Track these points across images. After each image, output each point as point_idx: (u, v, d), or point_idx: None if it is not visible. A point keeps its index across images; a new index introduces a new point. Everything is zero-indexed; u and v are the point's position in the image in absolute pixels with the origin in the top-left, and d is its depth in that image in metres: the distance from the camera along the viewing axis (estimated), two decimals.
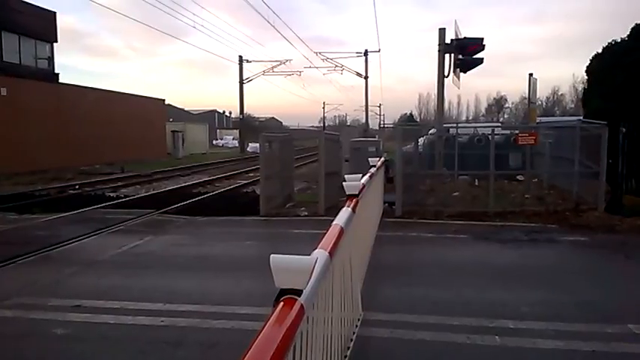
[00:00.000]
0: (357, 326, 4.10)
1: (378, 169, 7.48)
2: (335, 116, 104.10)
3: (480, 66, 11.36)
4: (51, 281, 5.84)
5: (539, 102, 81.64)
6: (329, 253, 2.42)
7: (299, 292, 1.66)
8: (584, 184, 10.51)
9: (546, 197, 11.22)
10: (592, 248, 7.58)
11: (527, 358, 3.83)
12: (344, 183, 4.33)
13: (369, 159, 7.37)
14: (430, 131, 14.90)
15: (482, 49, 11.00)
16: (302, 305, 1.64)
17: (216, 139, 73.00)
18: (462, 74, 11.77)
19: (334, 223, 3.14)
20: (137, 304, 4.93)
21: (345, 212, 3.59)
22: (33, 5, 26.66)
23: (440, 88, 11.35)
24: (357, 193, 4.24)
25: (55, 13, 28.26)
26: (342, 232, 3.03)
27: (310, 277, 1.70)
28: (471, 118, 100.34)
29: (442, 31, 10.93)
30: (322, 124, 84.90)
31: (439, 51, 11.03)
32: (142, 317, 4.61)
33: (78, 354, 3.97)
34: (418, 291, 5.40)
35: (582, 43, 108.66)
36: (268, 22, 27.14)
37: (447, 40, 11.01)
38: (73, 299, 5.06)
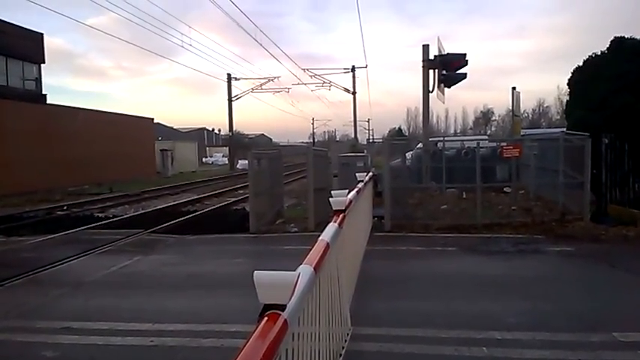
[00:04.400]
0: (346, 341, 4.12)
1: (365, 183, 7.55)
2: (324, 132, 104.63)
3: (466, 80, 11.56)
4: (39, 303, 5.81)
5: (525, 114, 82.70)
6: (314, 268, 2.47)
7: (282, 307, 1.71)
8: (570, 194, 10.66)
9: (533, 208, 11.34)
10: (578, 258, 7.68)
11: None
12: (330, 199, 4.38)
13: (357, 174, 7.45)
14: (418, 145, 15.04)
15: (466, 64, 11.20)
16: (285, 320, 1.68)
17: (206, 157, 72.94)
18: (446, 89, 11.97)
19: (320, 238, 3.19)
20: (126, 325, 4.92)
21: (331, 227, 3.64)
22: (20, 27, 26.70)
23: (425, 103, 11.51)
24: (343, 208, 4.30)
25: (42, 34, 28.35)
26: (327, 247, 3.07)
27: (293, 292, 1.75)
28: (458, 131, 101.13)
29: (426, 48, 11.13)
30: (312, 140, 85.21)
31: (423, 67, 11.22)
32: (130, 338, 4.60)
33: None
34: (407, 304, 5.44)
35: (567, 56, 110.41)
36: (255, 40, 27.30)
37: (431, 57, 11.22)
38: (62, 321, 5.04)
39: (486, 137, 32.19)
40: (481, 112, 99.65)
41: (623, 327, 4.55)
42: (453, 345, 4.25)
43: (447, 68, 11.26)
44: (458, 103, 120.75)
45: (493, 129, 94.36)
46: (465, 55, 11.17)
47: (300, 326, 2.43)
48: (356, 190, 6.07)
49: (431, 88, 11.51)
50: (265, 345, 1.50)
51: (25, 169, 22.89)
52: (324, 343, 3.27)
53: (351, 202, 5.15)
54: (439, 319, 4.90)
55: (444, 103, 12.32)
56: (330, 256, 3.45)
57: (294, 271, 2.36)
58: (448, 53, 11.38)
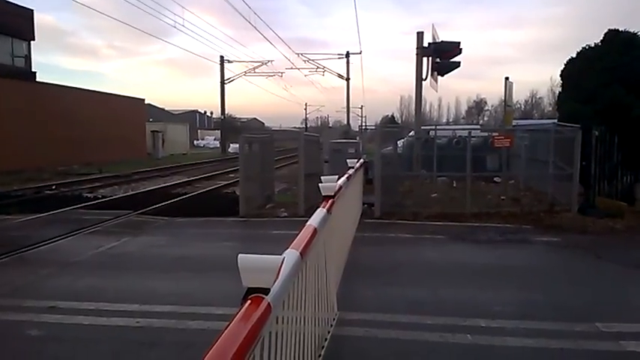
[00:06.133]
0: (332, 326, 4.15)
1: (356, 170, 7.55)
2: (317, 117, 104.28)
3: (459, 69, 11.53)
4: (26, 282, 5.78)
5: (518, 105, 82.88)
6: (300, 253, 2.46)
7: (266, 291, 1.70)
8: (559, 185, 10.74)
9: (522, 199, 11.42)
10: (564, 248, 7.75)
11: (497, 356, 3.92)
12: (320, 184, 4.37)
13: (347, 160, 7.44)
14: (410, 133, 15.04)
15: (459, 52, 11.16)
16: (269, 304, 1.68)
17: (198, 140, 72.52)
18: (440, 77, 11.94)
19: (308, 223, 3.19)
20: (112, 305, 4.91)
21: (319, 213, 3.63)
22: (9, 3, 26.23)
23: (418, 91, 11.48)
24: (332, 194, 4.29)
25: (32, 10, 27.89)
26: (315, 232, 3.07)
27: (277, 276, 1.74)
28: (451, 120, 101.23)
29: (420, 35, 11.07)
30: (304, 126, 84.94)
31: (417, 54, 11.16)
32: (116, 318, 4.60)
33: (51, 355, 3.95)
34: (394, 291, 5.47)
35: (560, 48, 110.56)
36: (249, 22, 26.98)
37: (425, 44, 11.16)
38: (49, 300, 5.02)
39: (478, 127, 32.26)
40: (474, 101, 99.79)
41: (606, 317, 4.61)
42: (438, 331, 4.29)
43: (441, 56, 11.22)
44: (451, 92, 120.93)
45: (486, 119, 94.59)
46: (459, 43, 11.13)
47: (285, 310, 2.44)
48: (346, 176, 6.07)
49: (424, 76, 11.48)
50: (247, 328, 1.49)
51: (13, 148, 22.66)
52: (310, 327, 3.28)
53: (340, 187, 5.14)
54: (425, 305, 4.94)
55: (437, 91, 12.31)
56: (318, 241, 3.45)
57: (281, 255, 2.38)
58: (442, 41, 11.32)
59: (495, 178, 13.46)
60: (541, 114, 78.36)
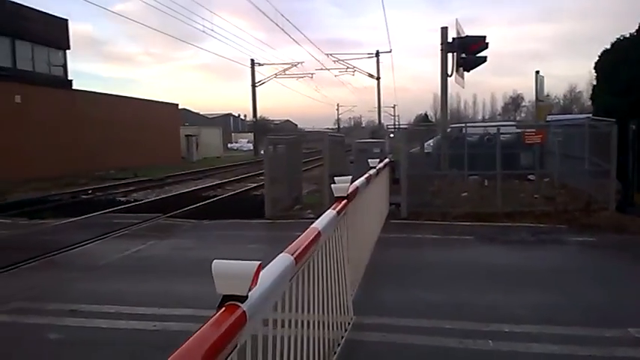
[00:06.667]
0: (346, 330, 4.04)
1: (379, 170, 7.41)
2: (350, 118, 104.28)
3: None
4: (51, 286, 5.89)
5: (557, 100, 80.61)
6: (295, 258, 2.38)
7: (242, 298, 1.63)
8: (596, 182, 10.30)
9: (557, 197, 11.01)
10: (600, 249, 7.41)
11: None
12: (332, 185, 4.28)
13: (369, 160, 7.30)
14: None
15: (486, 47, 10.84)
16: (244, 312, 1.60)
17: (231, 143, 73.44)
18: (468, 73, 11.65)
19: (313, 226, 3.10)
20: (132, 309, 4.94)
21: (327, 215, 3.55)
22: (45, 13, 27.13)
23: (443, 87, 11.22)
24: (345, 195, 4.19)
25: (67, 20, 28.75)
26: (318, 235, 2.98)
27: (255, 283, 1.66)
28: (487, 117, 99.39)
29: (444, 30, 10.80)
30: (337, 126, 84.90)
31: (442, 50, 10.89)
32: (135, 322, 4.62)
33: (66, 358, 3.99)
34: (415, 294, 5.32)
35: (598, 40, 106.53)
36: (277, 24, 27.06)
37: (450, 40, 10.89)
38: (71, 304, 5.08)
39: (513, 123, 31.42)
40: (510, 97, 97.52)
41: None
42: (458, 337, 4.12)
43: (466, 51, 10.92)
44: (486, 88, 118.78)
45: (523, 115, 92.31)
46: (484, 37, 10.80)
47: (282, 313, 2.37)
48: (365, 176, 5.94)
49: (450, 72, 11.20)
50: (216, 335, 1.44)
51: (53, 154, 23.40)
52: (318, 331, 3.20)
53: (357, 189, 5.03)
54: (447, 309, 4.77)
55: (463, 87, 12.00)
56: (332, 243, 3.37)
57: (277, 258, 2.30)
58: (467, 36, 11.01)
59: (529, 176, 13.05)
60: (581, 108, 75.93)
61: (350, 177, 4.50)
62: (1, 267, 6.44)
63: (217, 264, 1.63)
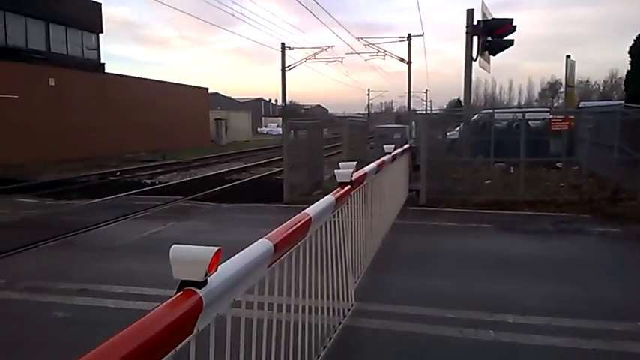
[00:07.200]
0: (344, 316, 4.03)
1: (394, 156, 7.31)
2: (381, 103, 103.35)
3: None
4: (66, 265, 6.06)
5: (597, 86, 77.97)
6: (276, 244, 2.37)
7: (200, 284, 1.62)
8: (624, 171, 9.94)
9: (583, 185, 10.69)
10: (623, 240, 7.18)
11: (518, 354, 3.66)
12: (335, 171, 4.24)
13: (384, 146, 7.21)
14: (474, 117, 14.45)
15: (513, 30, 10.47)
16: (200, 298, 1.60)
17: (261, 127, 73.81)
18: (494, 57, 11.32)
19: (304, 212, 3.08)
20: (140, 289, 5.03)
21: (324, 201, 3.51)
22: None
23: (467, 71, 10.94)
24: (348, 180, 4.15)
25: (100, 4, 29.23)
26: (309, 221, 2.96)
27: (214, 269, 1.66)
28: (523, 103, 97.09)
29: (470, 13, 10.49)
30: (367, 111, 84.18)
31: (467, 33, 10.60)
32: (141, 302, 4.69)
33: (70, 336, 4.09)
34: (423, 282, 5.27)
35: None
36: (306, 7, 26.84)
37: (475, 22, 10.58)
38: (82, 283, 5.22)
39: (546, 109, 30.50)
40: (548, 82, 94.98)
41: None
42: (459, 326, 4.06)
43: (492, 34, 10.59)
44: (523, 73, 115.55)
45: (560, 101, 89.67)
46: (511, 20, 10.43)
47: (266, 296, 2.38)
48: (377, 162, 5.87)
49: (474, 56, 10.91)
50: (169, 319, 1.45)
51: (85, 136, 23.99)
52: (312, 316, 3.20)
53: (365, 175, 4.98)
54: (453, 298, 4.70)
55: (489, 72, 11.70)
56: (317, 228, 3.34)
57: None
58: (493, 18, 10.66)
59: (558, 164, 12.70)
60: (620, 95, 73.33)
61: (354, 163, 4.45)
62: (21, 246, 6.64)
63: (175, 249, 1.63)
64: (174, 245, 1.65)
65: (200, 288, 1.62)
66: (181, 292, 1.61)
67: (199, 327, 1.64)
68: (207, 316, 1.68)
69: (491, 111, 16.28)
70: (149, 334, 1.37)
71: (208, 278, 1.65)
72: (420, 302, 4.61)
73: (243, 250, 2.13)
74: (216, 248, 1.64)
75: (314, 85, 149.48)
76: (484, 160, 11.22)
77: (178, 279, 1.63)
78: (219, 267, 1.72)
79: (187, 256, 1.61)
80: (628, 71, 11.01)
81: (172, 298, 1.58)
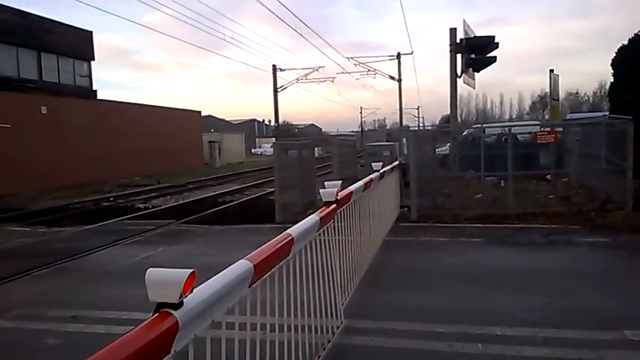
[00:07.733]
0: (334, 334, 4.05)
1: (383, 174, 7.38)
2: (374, 120, 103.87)
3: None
4: (58, 292, 6.06)
5: (586, 97, 78.77)
6: (256, 264, 2.42)
7: (176, 306, 1.67)
8: (612, 182, 10.06)
9: (573, 197, 10.79)
10: (612, 250, 7.24)
11: None
12: (321, 190, 4.30)
13: (372, 164, 7.29)
14: (464, 133, 14.61)
15: (495, 47, 10.69)
16: (177, 320, 1.65)
17: (255, 148, 74.02)
18: (479, 74, 11.53)
19: (287, 232, 3.14)
20: (131, 314, 5.02)
21: (308, 220, 3.57)
22: (70, 26, 27.86)
23: (452, 88, 11.11)
24: (333, 199, 4.21)
25: (91, 32, 29.45)
26: (291, 241, 3.01)
27: (189, 291, 1.70)
28: (514, 116, 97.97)
29: (453, 31, 10.70)
30: (361, 129, 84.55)
31: (450, 51, 10.81)
32: (132, 327, 4.69)
33: None
34: (412, 298, 5.30)
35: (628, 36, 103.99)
36: (295, 30, 27.18)
37: (458, 40, 10.78)
38: (73, 310, 5.22)
39: (536, 122, 30.82)
40: (538, 96, 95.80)
41: (638, 324, 4.24)
42: (448, 341, 4.09)
43: (475, 52, 10.81)
44: (514, 87, 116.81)
45: None
46: (493, 37, 10.66)
47: (245, 317, 2.42)
48: (364, 181, 5.94)
49: (459, 73, 11.09)
50: (144, 340, 1.51)
51: (79, 163, 23.97)
52: (299, 335, 3.23)
53: (351, 193, 5.04)
54: (441, 313, 4.74)
55: (474, 88, 11.90)
56: (302, 247, 3.39)
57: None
58: (475, 36, 10.90)
59: (547, 176, 12.81)
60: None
61: (340, 182, 4.51)
62: (14, 274, 6.65)
63: (151, 272, 1.68)
64: (150, 269, 1.70)
65: (176, 309, 1.66)
66: (157, 314, 1.65)
67: (176, 348, 1.68)
68: (185, 337, 1.72)
69: (480, 126, 16.47)
70: (124, 354, 1.42)
71: (184, 300, 1.69)
72: (409, 318, 4.64)
73: (222, 272, 2.18)
74: (191, 270, 1.69)
75: (307, 105, 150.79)
76: (475, 174, 11.33)
77: (155, 301, 1.68)
78: (196, 289, 1.77)
79: (162, 279, 1.66)
80: (611, 83, 11.21)
81: (148, 320, 1.63)
